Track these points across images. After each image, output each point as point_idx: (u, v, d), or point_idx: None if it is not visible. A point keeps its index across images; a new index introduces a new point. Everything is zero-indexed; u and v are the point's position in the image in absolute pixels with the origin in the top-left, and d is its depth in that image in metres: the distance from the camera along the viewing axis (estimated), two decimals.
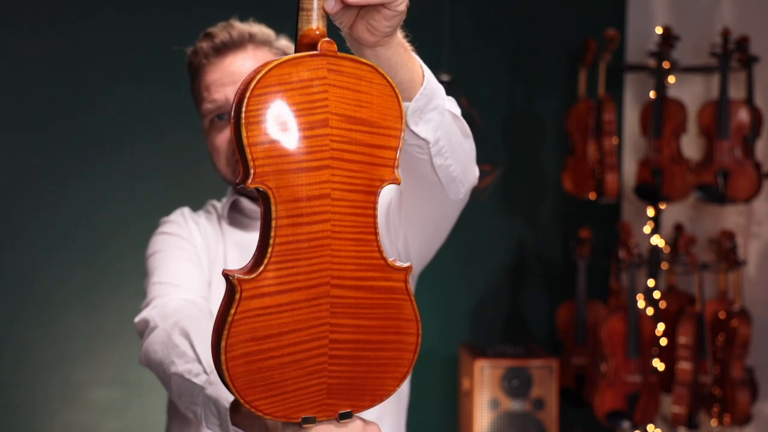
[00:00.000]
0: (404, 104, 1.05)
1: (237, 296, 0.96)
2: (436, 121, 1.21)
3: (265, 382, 0.98)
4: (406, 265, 1.04)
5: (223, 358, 0.96)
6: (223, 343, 0.96)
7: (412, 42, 1.15)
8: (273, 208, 0.96)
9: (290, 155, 0.96)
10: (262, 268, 0.96)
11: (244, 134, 0.94)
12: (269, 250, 0.96)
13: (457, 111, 1.28)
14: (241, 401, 0.98)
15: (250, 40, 1.57)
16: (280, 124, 0.95)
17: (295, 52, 0.99)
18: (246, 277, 0.96)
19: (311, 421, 1.02)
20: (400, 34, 1.11)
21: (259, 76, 0.94)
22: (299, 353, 0.99)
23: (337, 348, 1.01)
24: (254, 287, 0.96)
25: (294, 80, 0.96)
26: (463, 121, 1.30)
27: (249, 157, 0.94)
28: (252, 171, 0.94)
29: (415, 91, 1.15)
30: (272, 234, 0.96)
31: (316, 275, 0.99)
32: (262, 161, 0.95)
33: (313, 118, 0.97)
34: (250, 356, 0.97)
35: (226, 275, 0.98)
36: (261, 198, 0.97)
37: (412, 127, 1.18)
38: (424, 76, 1.16)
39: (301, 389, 1.00)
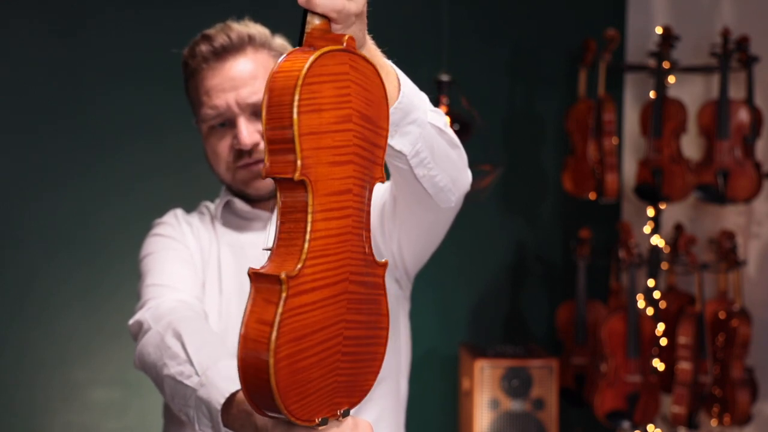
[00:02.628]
0: None
1: (284, 294, 0.91)
2: (415, 134, 1.18)
3: (298, 385, 0.94)
4: (383, 260, 1.04)
5: (271, 361, 0.91)
6: (271, 346, 0.91)
7: (399, 51, 1.13)
8: (311, 201, 0.93)
9: (327, 149, 0.94)
10: (301, 264, 0.93)
11: (296, 124, 0.91)
12: (306, 245, 0.93)
13: (441, 122, 1.25)
14: (281, 407, 0.93)
15: (249, 42, 1.54)
16: (322, 116, 0.93)
17: (300, 45, 0.97)
18: (291, 274, 0.92)
19: (325, 422, 0.99)
20: (373, 46, 1.09)
21: (308, 64, 0.92)
22: (323, 352, 0.96)
23: (348, 345, 1.00)
24: (296, 284, 0.92)
25: (330, 72, 0.94)
26: (449, 133, 1.27)
27: (298, 147, 0.91)
28: (299, 162, 0.92)
29: (390, 105, 1.12)
30: (309, 228, 0.93)
31: (340, 271, 0.97)
32: (308, 152, 0.92)
33: (341, 112, 0.95)
34: (291, 357, 0.93)
35: (257, 274, 0.94)
36: (286, 191, 0.94)
37: (388, 140, 1.17)
38: (400, 90, 1.14)
39: (320, 389, 0.98)
